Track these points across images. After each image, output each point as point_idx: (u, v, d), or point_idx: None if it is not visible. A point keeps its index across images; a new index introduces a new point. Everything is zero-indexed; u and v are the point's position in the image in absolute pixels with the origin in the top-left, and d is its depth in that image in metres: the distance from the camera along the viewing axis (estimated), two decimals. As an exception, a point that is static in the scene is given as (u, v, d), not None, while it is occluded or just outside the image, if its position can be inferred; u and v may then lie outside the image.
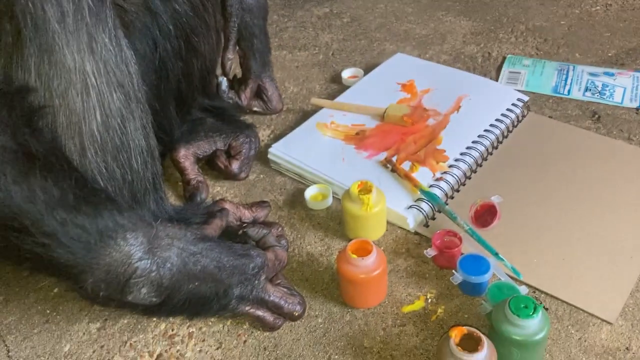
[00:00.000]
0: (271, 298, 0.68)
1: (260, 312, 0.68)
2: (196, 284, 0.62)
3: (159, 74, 0.82)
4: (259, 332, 0.70)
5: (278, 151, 0.92)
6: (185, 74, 0.87)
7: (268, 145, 0.94)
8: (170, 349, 0.69)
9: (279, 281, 0.71)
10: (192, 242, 0.62)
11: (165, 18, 0.79)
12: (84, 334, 0.71)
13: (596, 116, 0.98)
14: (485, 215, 0.78)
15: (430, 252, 0.74)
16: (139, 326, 0.72)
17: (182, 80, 0.87)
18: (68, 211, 0.54)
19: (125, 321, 0.72)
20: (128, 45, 0.63)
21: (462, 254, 0.73)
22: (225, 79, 0.94)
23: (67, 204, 0.54)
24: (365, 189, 0.76)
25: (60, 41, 0.56)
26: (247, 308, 0.67)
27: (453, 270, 0.71)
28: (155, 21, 0.78)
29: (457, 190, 0.84)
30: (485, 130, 0.92)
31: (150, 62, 0.80)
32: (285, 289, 0.70)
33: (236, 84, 0.99)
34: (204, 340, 0.69)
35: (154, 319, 0.72)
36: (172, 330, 0.71)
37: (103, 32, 0.59)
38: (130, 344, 0.70)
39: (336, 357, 0.66)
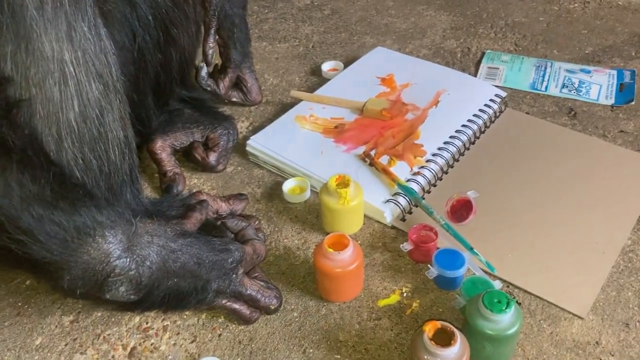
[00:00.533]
0: (248, 292, 0.67)
1: (236, 306, 0.68)
2: (175, 280, 0.62)
3: (138, 64, 0.80)
4: (234, 325, 0.69)
5: (256, 143, 0.91)
6: (164, 65, 0.86)
7: (246, 137, 0.93)
8: (144, 342, 0.68)
9: (256, 274, 0.71)
10: (172, 239, 0.62)
11: (145, 8, 0.78)
12: (56, 326, 0.70)
13: (572, 113, 0.99)
14: (462, 210, 0.78)
15: (406, 247, 0.74)
16: (113, 319, 0.71)
17: (160, 71, 0.86)
18: (45, 207, 0.53)
19: (99, 314, 0.71)
20: (107, 35, 0.61)
21: (437, 248, 0.73)
22: (204, 65, 0.93)
23: (44, 200, 0.53)
24: (343, 182, 0.76)
25: (38, 29, 0.54)
26: (223, 301, 0.67)
27: (428, 265, 0.71)
28: (135, 11, 0.77)
29: (434, 185, 0.85)
30: (463, 126, 0.92)
31: (129, 53, 0.79)
32: (262, 283, 0.70)
33: (216, 72, 0.98)
34: (178, 334, 0.69)
35: (129, 312, 0.71)
36: (147, 323, 0.70)
37: (82, 20, 0.57)
38: (104, 337, 0.69)
39: (311, 350, 0.66)
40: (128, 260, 0.57)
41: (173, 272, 0.61)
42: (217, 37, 0.93)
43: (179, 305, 0.65)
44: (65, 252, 0.54)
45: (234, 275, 0.66)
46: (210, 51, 0.92)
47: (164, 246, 0.60)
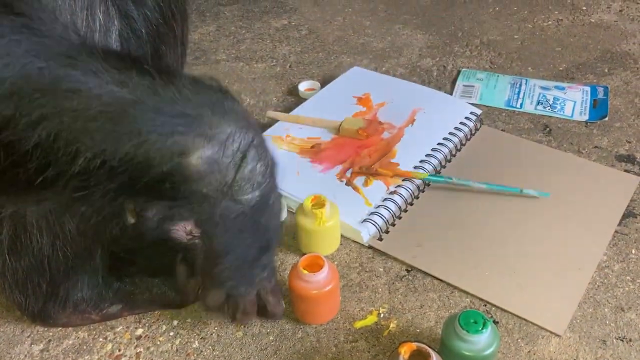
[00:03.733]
0: (272, 292, 0.62)
1: (270, 298, 0.62)
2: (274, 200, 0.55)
3: None
4: (208, 351, 0.68)
5: (232, 165, 0.91)
6: None
7: (223, 159, 0.93)
8: (116, 370, 0.67)
9: None
10: None
11: (139, 23, 0.78)
12: (25, 356, 0.69)
13: (547, 129, 1.00)
14: None
15: None
16: (85, 347, 0.69)
17: None
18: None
19: (70, 342, 0.70)
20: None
21: None
22: None
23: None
24: (319, 203, 0.76)
25: None
26: (262, 290, 0.61)
27: None
28: (129, 25, 0.77)
29: (411, 204, 0.85)
30: (439, 144, 0.92)
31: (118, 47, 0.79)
32: None
33: None
34: (151, 361, 0.68)
35: (101, 339, 0.70)
36: (119, 350, 0.69)
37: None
38: (75, 365, 0.68)
39: (287, 375, 0.65)
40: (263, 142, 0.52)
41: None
42: None
43: (269, 241, 0.58)
44: (194, 133, 0.47)
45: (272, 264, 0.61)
46: None
47: None
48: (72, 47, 0.46)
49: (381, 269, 0.76)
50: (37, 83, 0.44)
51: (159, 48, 0.81)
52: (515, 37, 1.26)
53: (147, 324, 0.71)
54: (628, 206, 0.84)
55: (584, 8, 1.34)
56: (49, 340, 0.70)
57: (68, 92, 0.44)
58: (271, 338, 0.69)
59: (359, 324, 0.70)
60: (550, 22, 1.30)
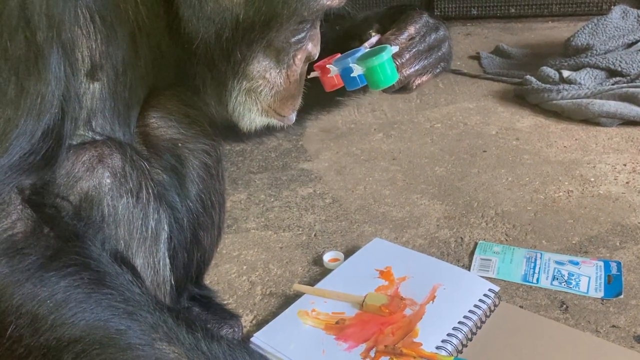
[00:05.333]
0: None
1: None
2: None
3: (170, 264, 0.87)
4: None
5: (259, 341, 0.94)
6: (186, 264, 0.92)
7: (250, 332, 0.97)
8: None
9: None
10: None
11: (182, 213, 0.87)
12: None
13: (564, 306, 1.03)
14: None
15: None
16: None
17: (181, 269, 0.92)
18: None
19: None
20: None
21: None
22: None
23: None
24: (344, 390, 0.79)
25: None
26: None
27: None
28: (173, 215, 0.85)
29: (434, 386, 0.87)
30: (459, 322, 0.96)
31: (166, 252, 0.86)
32: None
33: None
34: None
35: None
36: None
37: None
38: None
39: None
40: None
41: None
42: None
43: None
44: None
45: None
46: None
47: None
48: (134, 299, 0.55)
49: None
50: (99, 333, 0.52)
51: (197, 234, 0.89)
52: (529, 208, 1.33)
53: None
54: (650, 394, 0.85)
55: (592, 179, 1.42)
56: None
57: (123, 348, 0.52)
58: None
59: None
60: (561, 193, 1.38)
